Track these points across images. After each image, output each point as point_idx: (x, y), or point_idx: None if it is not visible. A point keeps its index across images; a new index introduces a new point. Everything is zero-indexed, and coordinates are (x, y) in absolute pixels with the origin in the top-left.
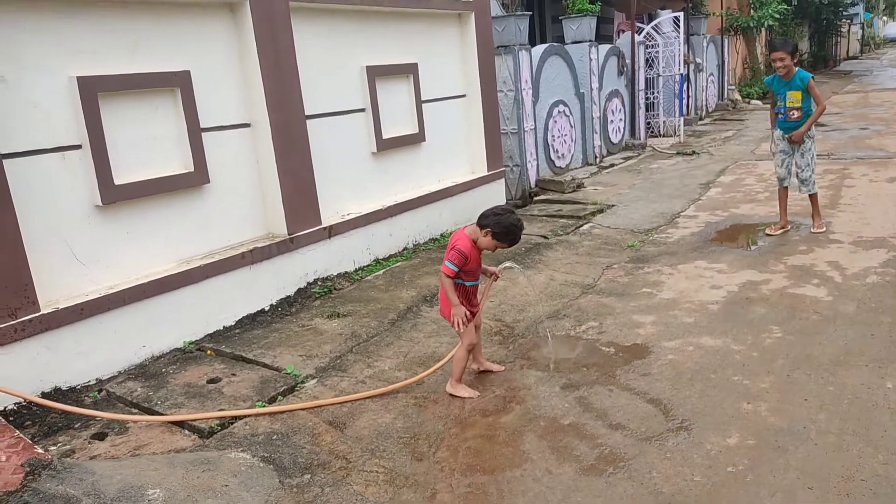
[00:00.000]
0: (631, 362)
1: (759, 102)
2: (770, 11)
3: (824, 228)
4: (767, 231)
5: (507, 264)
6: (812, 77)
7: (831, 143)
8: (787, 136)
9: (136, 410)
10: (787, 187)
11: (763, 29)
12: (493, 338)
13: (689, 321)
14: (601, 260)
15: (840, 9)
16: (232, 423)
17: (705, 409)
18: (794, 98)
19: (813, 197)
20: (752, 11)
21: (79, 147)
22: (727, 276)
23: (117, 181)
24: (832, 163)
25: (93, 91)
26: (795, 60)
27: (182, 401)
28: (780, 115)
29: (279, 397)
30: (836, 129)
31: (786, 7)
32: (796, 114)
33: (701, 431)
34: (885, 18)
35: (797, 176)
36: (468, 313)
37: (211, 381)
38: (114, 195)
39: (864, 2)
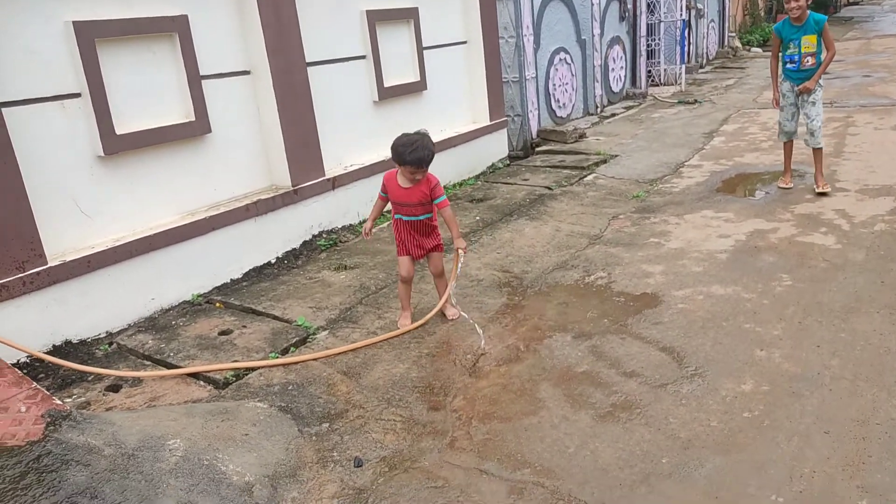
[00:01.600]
0: (642, 311)
1: (759, 50)
2: None
3: (829, 188)
4: (779, 184)
5: (462, 254)
6: (827, 19)
7: (834, 90)
8: (797, 86)
9: (149, 362)
10: (792, 141)
11: None
12: (503, 289)
13: (698, 270)
14: (607, 210)
15: None
16: (247, 374)
17: (718, 357)
18: (809, 43)
19: (818, 152)
20: None
21: (78, 95)
22: (734, 226)
23: (119, 131)
24: (835, 111)
25: (90, 36)
26: (809, 2)
27: (195, 353)
28: (790, 64)
29: (292, 348)
30: (838, 76)
31: None
32: (811, 60)
33: (715, 378)
34: None
35: (807, 126)
36: (368, 227)
37: (222, 332)
38: (116, 145)
39: None
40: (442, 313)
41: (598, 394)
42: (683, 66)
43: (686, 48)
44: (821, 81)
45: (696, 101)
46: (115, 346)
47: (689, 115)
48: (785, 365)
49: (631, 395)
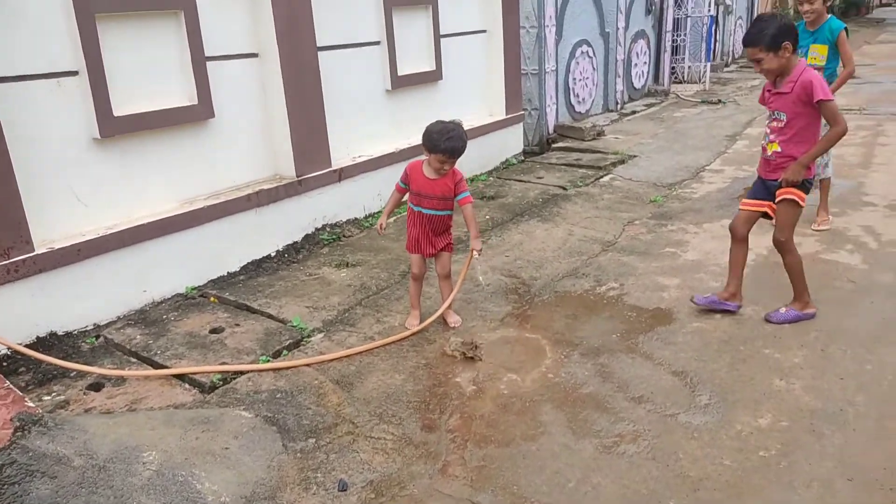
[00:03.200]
0: (654, 328)
1: None
2: None
3: (829, 226)
4: (813, 227)
5: (476, 256)
6: (845, 28)
7: (863, 96)
8: None
9: (135, 360)
10: None
11: None
12: (509, 296)
13: (715, 285)
14: (622, 215)
15: None
16: (234, 378)
17: (734, 385)
18: (817, 53)
19: (824, 183)
20: None
21: (75, 74)
22: (755, 238)
23: (117, 112)
24: (865, 118)
25: (90, 11)
26: (828, 4)
27: (183, 351)
28: None
29: (284, 351)
30: (867, 81)
31: None
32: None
33: (730, 409)
34: None
35: None
36: (384, 222)
37: (213, 330)
38: (113, 128)
39: None
40: (443, 319)
41: (604, 420)
42: (709, 64)
43: (712, 45)
44: None
45: (719, 101)
46: (102, 339)
47: (713, 115)
48: (805, 398)
49: (638, 424)
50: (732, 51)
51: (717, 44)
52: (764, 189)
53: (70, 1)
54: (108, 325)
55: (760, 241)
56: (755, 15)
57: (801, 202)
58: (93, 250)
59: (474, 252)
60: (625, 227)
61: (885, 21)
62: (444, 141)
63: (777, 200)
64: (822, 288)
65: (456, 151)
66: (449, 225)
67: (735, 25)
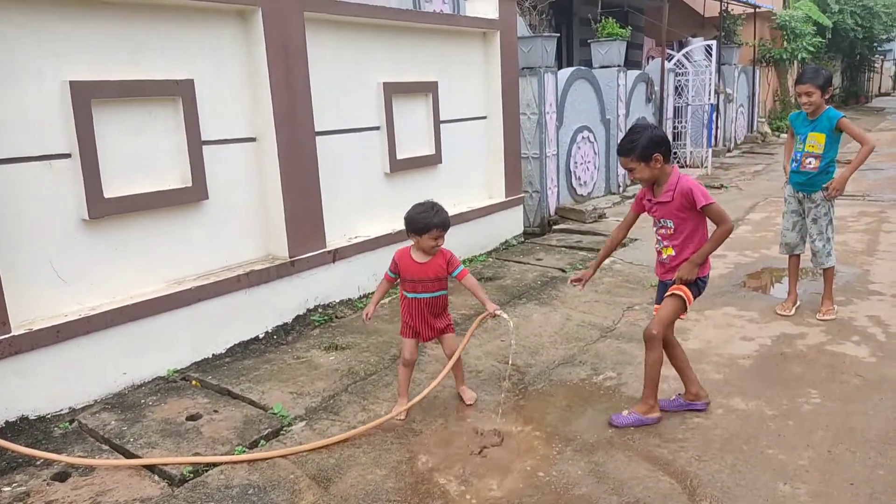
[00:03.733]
0: (652, 424)
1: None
2: (804, 44)
3: (833, 316)
4: (778, 310)
5: (501, 313)
6: (843, 116)
7: (867, 182)
8: (799, 191)
9: (107, 447)
10: (798, 255)
11: (796, 61)
12: (503, 383)
13: (717, 377)
14: (622, 300)
15: (874, 44)
16: (206, 471)
17: (737, 490)
18: (815, 142)
19: (828, 272)
20: (785, 43)
21: (68, 156)
22: (759, 327)
23: (107, 194)
24: (868, 205)
25: (86, 97)
26: (827, 97)
27: (156, 439)
28: (794, 163)
29: (262, 441)
30: (870, 168)
31: (820, 40)
32: (814, 162)
33: None
34: None
35: (809, 245)
36: (371, 311)
37: (190, 417)
38: (103, 209)
39: None
40: (459, 396)
41: None
42: (710, 150)
43: (713, 132)
44: (825, 195)
45: (722, 185)
46: (75, 424)
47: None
48: None
49: None
50: (734, 137)
51: (719, 130)
52: (665, 290)
53: (68, 88)
54: (83, 408)
55: (765, 329)
56: (756, 102)
57: (687, 301)
58: (73, 332)
59: (498, 313)
60: (624, 312)
61: (885, 110)
62: (434, 216)
63: (666, 294)
64: (828, 382)
65: (447, 223)
66: (446, 304)
67: (737, 113)
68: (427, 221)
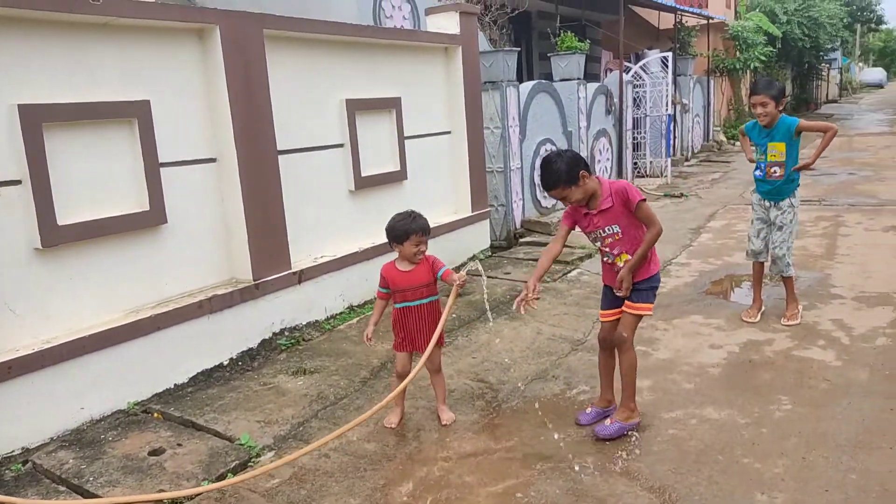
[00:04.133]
0: (628, 437)
1: None
2: (756, 53)
3: (798, 321)
4: (743, 317)
5: (472, 265)
6: (798, 120)
7: (822, 188)
8: (764, 199)
9: (64, 488)
10: (762, 262)
11: (749, 71)
12: (476, 402)
13: (689, 387)
14: (591, 311)
15: (821, 53)
16: None
17: (715, 502)
18: (776, 151)
19: (788, 280)
20: (737, 53)
21: (18, 183)
22: (726, 335)
23: (61, 221)
24: (824, 209)
25: (36, 121)
26: (781, 108)
27: (118, 477)
28: (758, 172)
29: (229, 474)
30: (824, 173)
31: (771, 49)
32: (778, 171)
33: None
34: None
35: (770, 252)
36: (368, 333)
37: (153, 452)
38: (56, 237)
39: (842, 47)
40: (435, 416)
41: None
42: (669, 160)
43: (672, 142)
44: (795, 203)
45: (682, 194)
46: (29, 465)
47: (676, 209)
48: None
49: None
50: (692, 146)
51: (677, 140)
52: (613, 295)
53: (16, 112)
54: (38, 447)
55: (732, 336)
56: (712, 112)
57: (644, 315)
58: (26, 367)
59: (466, 273)
60: (594, 323)
61: (833, 116)
62: (412, 223)
63: (624, 311)
64: (797, 387)
65: (427, 228)
66: (440, 311)
67: (693, 122)
68: (406, 228)
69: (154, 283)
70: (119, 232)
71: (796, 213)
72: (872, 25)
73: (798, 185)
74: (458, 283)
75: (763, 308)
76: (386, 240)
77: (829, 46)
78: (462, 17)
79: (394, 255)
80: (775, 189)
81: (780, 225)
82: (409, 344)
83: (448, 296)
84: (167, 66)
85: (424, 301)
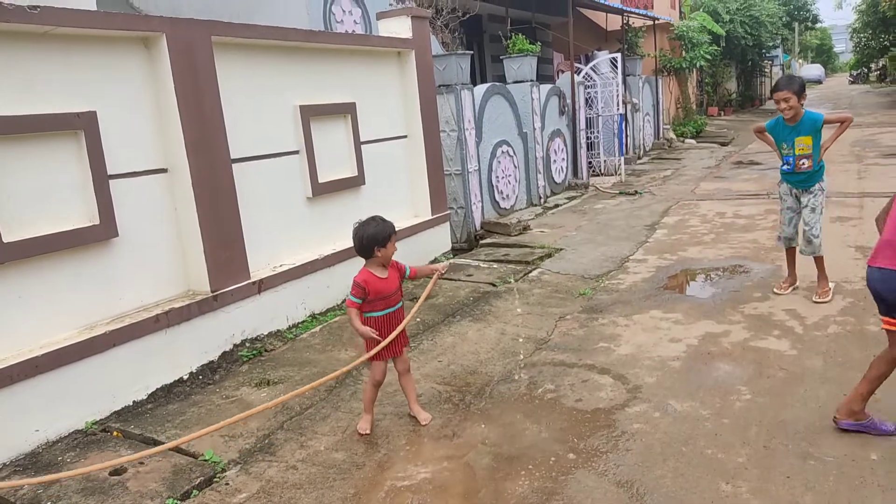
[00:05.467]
0: (595, 434)
1: (693, 141)
2: (701, 52)
3: (829, 297)
4: (776, 289)
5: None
6: (822, 115)
7: (768, 182)
8: (794, 188)
9: None
10: (794, 247)
11: (695, 69)
12: (443, 406)
13: (651, 381)
14: (553, 310)
15: (763, 50)
16: None
17: (681, 494)
18: (804, 144)
19: (819, 260)
20: (683, 53)
21: None
22: (685, 328)
23: (6, 238)
24: (773, 202)
25: None
26: (803, 101)
27: (78, 500)
28: (786, 166)
29: (194, 491)
30: (771, 167)
31: (716, 48)
32: (807, 162)
33: None
34: (800, 61)
35: (804, 234)
36: (375, 333)
37: (114, 472)
38: (2, 255)
39: (783, 45)
40: (406, 420)
41: None
42: (622, 158)
43: (624, 140)
44: (823, 185)
45: (636, 192)
46: None
47: (631, 206)
48: (754, 503)
49: None
50: (643, 144)
51: (629, 138)
52: None
53: None
54: None
55: (690, 330)
56: (661, 111)
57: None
58: None
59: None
60: (557, 322)
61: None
62: (386, 224)
63: None
64: (755, 377)
65: (394, 229)
66: (404, 314)
67: (644, 121)
68: (387, 231)
69: (108, 299)
70: (69, 247)
71: (826, 195)
72: (809, 24)
73: (825, 169)
74: (440, 270)
75: (796, 283)
76: (344, 247)
77: (771, 44)
78: (414, 21)
79: (356, 262)
80: (806, 177)
81: (813, 207)
82: (387, 351)
83: (413, 299)
84: (113, 76)
85: (400, 304)
